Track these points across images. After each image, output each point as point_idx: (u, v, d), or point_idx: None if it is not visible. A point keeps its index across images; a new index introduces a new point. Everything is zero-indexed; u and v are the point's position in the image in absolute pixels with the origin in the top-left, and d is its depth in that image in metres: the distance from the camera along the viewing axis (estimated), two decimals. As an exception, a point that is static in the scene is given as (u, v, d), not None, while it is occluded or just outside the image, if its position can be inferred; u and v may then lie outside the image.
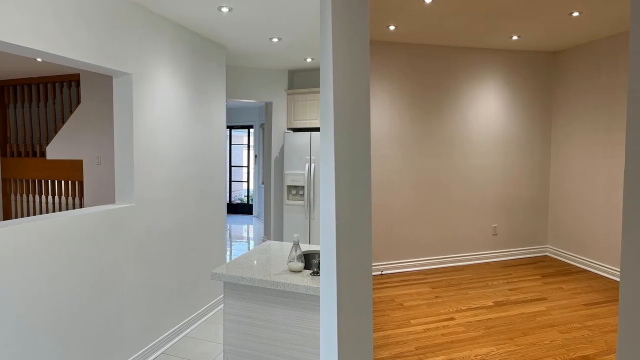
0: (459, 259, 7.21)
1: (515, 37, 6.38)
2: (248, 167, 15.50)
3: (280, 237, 8.76)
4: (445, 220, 7.09)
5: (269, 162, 8.94)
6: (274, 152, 8.84)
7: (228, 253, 9.64)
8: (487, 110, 7.19)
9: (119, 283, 4.35)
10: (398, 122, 6.68)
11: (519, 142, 7.43)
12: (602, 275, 6.56)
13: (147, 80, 4.71)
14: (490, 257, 7.40)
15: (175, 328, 5.27)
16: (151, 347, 4.83)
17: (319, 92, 7.96)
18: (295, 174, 8.14)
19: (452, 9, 5.11)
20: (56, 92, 8.54)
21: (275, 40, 6.12)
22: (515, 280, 6.40)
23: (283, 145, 8.65)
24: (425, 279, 6.48)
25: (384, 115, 6.58)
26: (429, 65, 6.82)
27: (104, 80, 7.29)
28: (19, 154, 8.78)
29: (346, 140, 1.92)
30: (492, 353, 4.39)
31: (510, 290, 6.02)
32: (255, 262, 3.68)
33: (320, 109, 2.27)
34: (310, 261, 3.87)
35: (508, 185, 7.42)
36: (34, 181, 8.60)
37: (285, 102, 8.72)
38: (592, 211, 6.74)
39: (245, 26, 5.42)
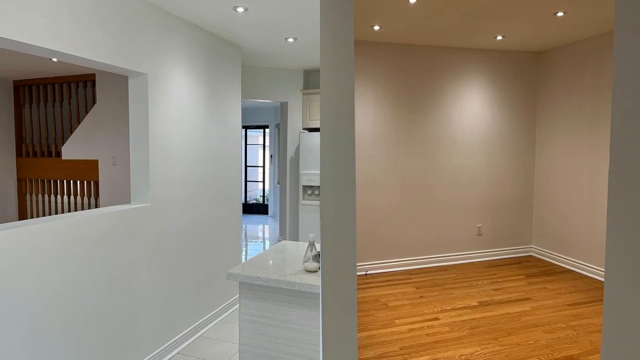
0: (443, 259, 7.19)
1: (499, 37, 6.35)
2: (264, 167, 15.51)
3: (295, 237, 8.75)
4: (430, 220, 7.07)
5: (285, 162, 8.93)
6: (290, 152, 8.83)
7: (244, 253, 9.64)
8: (472, 110, 7.16)
9: (135, 283, 4.35)
10: (382, 122, 6.67)
11: (504, 142, 7.40)
12: (586, 275, 6.54)
13: (162, 80, 4.70)
14: (475, 257, 7.38)
15: (190, 328, 5.27)
16: (167, 347, 4.82)
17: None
18: (310, 174, 8.12)
19: (436, 9, 5.08)
20: (72, 92, 8.58)
21: (290, 40, 6.10)
22: (500, 280, 6.38)
23: (298, 145, 8.64)
24: (410, 279, 6.47)
25: (369, 115, 6.57)
26: (413, 65, 6.80)
27: (120, 80, 7.31)
28: (35, 154, 8.83)
29: (330, 139, 1.93)
30: (477, 353, 4.38)
31: (494, 290, 6.01)
32: (270, 262, 3.66)
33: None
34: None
35: (493, 185, 7.38)
36: (49, 181, 8.64)
37: (301, 102, 8.71)
38: (576, 211, 6.71)
39: (260, 26, 5.41)
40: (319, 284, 3.06)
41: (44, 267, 3.35)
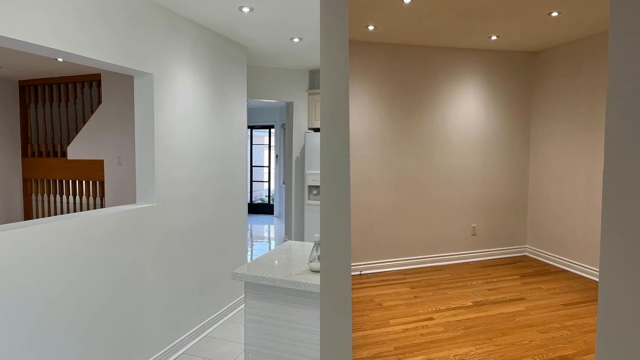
0: (438, 259, 7.17)
1: (494, 37, 6.32)
2: (269, 167, 15.51)
3: (301, 237, 8.74)
4: (425, 220, 7.04)
5: (290, 162, 8.92)
6: (295, 152, 8.83)
7: (249, 253, 9.63)
8: (467, 110, 7.13)
9: (140, 283, 4.35)
10: (377, 122, 6.64)
11: (499, 142, 7.37)
12: (581, 275, 6.51)
13: (168, 80, 4.70)
14: (470, 257, 7.36)
15: (196, 328, 5.26)
16: (172, 347, 4.82)
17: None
18: (316, 174, 8.11)
19: (431, 8, 5.05)
20: (77, 92, 8.59)
21: (296, 40, 6.10)
22: (495, 280, 6.36)
23: (304, 145, 8.63)
24: (405, 279, 6.46)
25: (364, 115, 6.54)
26: (408, 65, 6.77)
27: (125, 80, 7.32)
28: (40, 154, 8.84)
29: (325, 138, 1.92)
30: (471, 353, 4.37)
31: (489, 290, 5.99)
32: (276, 262, 3.65)
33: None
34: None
35: (487, 185, 7.35)
36: (54, 181, 8.66)
37: (307, 102, 8.70)
38: (571, 211, 6.68)
39: (266, 26, 5.40)
40: (325, 284, 3.06)
41: (49, 267, 3.35)
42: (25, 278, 3.15)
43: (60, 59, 5.00)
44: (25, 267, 3.14)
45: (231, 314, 6.03)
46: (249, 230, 12.33)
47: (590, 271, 6.36)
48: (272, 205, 15.17)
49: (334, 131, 1.93)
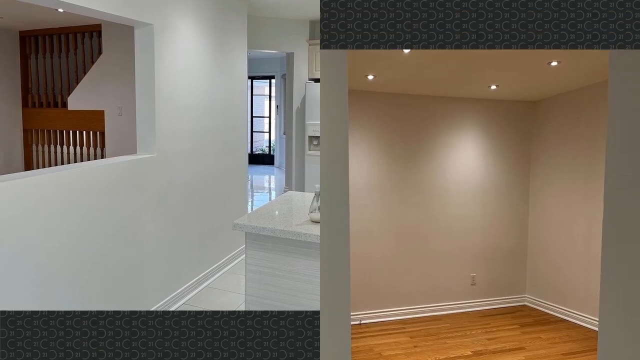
0: (437, 309, 7.08)
1: (494, 87, 6.18)
2: (269, 117, 15.47)
3: (301, 188, 8.76)
4: (424, 270, 6.94)
5: (291, 112, 8.89)
6: (296, 103, 8.78)
7: (249, 204, 9.67)
8: (466, 159, 6.99)
9: (140, 234, 4.37)
10: (377, 171, 6.51)
11: (498, 191, 7.23)
12: (580, 325, 6.41)
13: (168, 32, 4.63)
14: (469, 307, 7.26)
15: (196, 279, 5.31)
16: (172, 297, 4.87)
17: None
18: (316, 125, 8.08)
19: (431, 59, 4.95)
20: (77, 42, 8.50)
21: (297, -12, 6.01)
22: (494, 329, 6.27)
23: (304, 96, 8.57)
24: (404, 328, 6.38)
25: (363, 165, 6.41)
26: (408, 115, 6.61)
27: (126, 30, 7.22)
28: (41, 105, 8.81)
29: (325, 188, 1.97)
30: None
31: (488, 339, 5.92)
32: (276, 212, 3.66)
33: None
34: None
35: (487, 234, 7.24)
36: (55, 132, 8.64)
37: (307, 52, 8.62)
38: (571, 261, 6.58)
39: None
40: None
41: (49, 218, 3.35)
42: (25, 229, 3.15)
43: (60, 10, 4.93)
44: (25, 218, 3.15)
45: (231, 265, 6.07)
46: (249, 181, 12.36)
47: (590, 320, 6.30)
48: (273, 156, 15.19)
49: (334, 179, 1.95)
